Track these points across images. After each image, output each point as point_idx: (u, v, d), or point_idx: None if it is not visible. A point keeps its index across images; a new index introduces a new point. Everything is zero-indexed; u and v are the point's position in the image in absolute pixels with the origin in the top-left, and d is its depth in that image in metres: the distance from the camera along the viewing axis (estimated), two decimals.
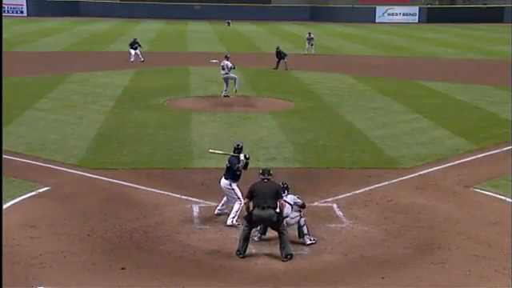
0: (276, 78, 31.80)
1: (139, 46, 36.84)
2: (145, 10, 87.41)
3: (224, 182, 12.02)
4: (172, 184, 14.24)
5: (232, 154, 12.07)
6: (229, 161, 12.05)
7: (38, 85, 28.00)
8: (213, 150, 12.80)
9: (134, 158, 16.46)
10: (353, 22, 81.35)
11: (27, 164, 15.69)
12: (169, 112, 22.75)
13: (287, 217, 10.96)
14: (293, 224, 11.05)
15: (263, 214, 10.50)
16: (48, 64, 36.40)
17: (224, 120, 21.38)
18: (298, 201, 11.34)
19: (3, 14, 79.97)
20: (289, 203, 11.08)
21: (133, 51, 36.34)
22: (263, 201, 10.49)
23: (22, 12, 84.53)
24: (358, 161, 16.63)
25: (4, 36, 49.47)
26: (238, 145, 12.29)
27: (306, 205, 11.61)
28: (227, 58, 25.23)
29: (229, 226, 11.77)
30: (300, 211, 11.31)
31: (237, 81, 25.29)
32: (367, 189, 14.22)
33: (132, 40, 37.31)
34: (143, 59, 36.10)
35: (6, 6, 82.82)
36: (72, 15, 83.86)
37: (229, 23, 69.96)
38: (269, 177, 10.88)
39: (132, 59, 35.90)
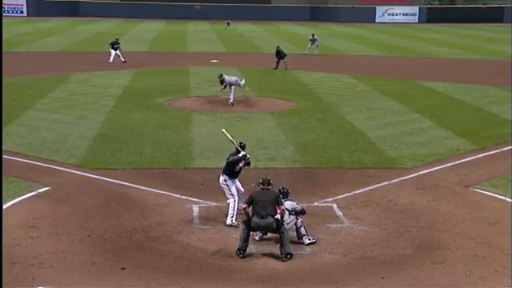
0: (276, 78, 31.80)
1: (119, 46, 35.84)
2: (145, 10, 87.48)
3: (220, 177, 12.10)
4: (172, 184, 14.24)
5: (237, 145, 12.14)
6: (229, 154, 12.25)
7: (39, 85, 28.00)
8: (225, 131, 12.84)
9: (134, 158, 16.46)
10: (353, 22, 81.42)
11: (27, 164, 15.69)
12: (169, 112, 22.75)
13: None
14: (289, 228, 11.04)
15: (262, 223, 10.58)
16: (48, 64, 36.40)
17: (224, 120, 21.37)
18: (297, 207, 11.33)
19: (3, 14, 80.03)
20: (286, 209, 11.09)
21: (113, 52, 35.46)
22: (262, 209, 10.55)
23: (22, 12, 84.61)
24: (358, 161, 16.63)
25: (4, 36, 49.48)
26: (241, 142, 12.44)
27: (306, 210, 11.56)
28: (220, 77, 23.75)
29: (228, 225, 11.79)
30: (296, 216, 11.27)
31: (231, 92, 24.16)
32: (367, 189, 14.23)
33: (113, 40, 36.52)
34: (124, 60, 35.20)
35: (6, 6, 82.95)
36: (72, 15, 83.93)
37: (228, 23, 69.98)
38: (269, 187, 10.95)
39: (111, 60, 35.10)
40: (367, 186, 14.43)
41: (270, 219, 10.53)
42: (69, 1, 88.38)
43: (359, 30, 69.28)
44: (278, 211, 10.59)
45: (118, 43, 36.03)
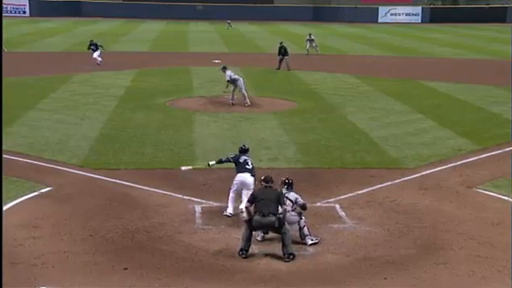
0: (278, 78, 31.78)
1: (101, 47, 35.07)
2: (147, 10, 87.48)
3: (252, 179, 12.15)
4: (174, 184, 14.22)
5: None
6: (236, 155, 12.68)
7: (41, 85, 28.01)
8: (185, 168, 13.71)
9: (137, 158, 16.45)
10: (355, 22, 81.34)
11: (29, 164, 15.69)
12: (171, 112, 22.74)
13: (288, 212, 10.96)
14: (292, 222, 11.02)
15: (264, 221, 10.54)
16: (50, 64, 36.41)
17: (226, 120, 21.37)
18: (300, 200, 11.32)
19: (5, 15, 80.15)
20: (290, 200, 11.10)
21: (95, 53, 34.49)
22: (265, 207, 10.54)
23: (24, 12, 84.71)
24: (360, 161, 16.61)
25: (6, 36, 49.58)
26: (244, 145, 12.97)
27: (308, 206, 11.56)
28: (223, 69, 23.99)
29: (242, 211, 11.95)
30: (300, 213, 11.28)
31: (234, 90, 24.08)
32: (370, 189, 14.20)
33: (89, 42, 35.74)
34: (99, 62, 34.20)
35: (9, 7, 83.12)
36: (74, 15, 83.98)
37: (229, 24, 69.99)
38: (271, 184, 10.97)
39: (99, 60, 34.23)
40: (370, 186, 14.41)
41: (272, 218, 10.50)
42: (71, 1, 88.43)
43: (362, 30, 69.23)
44: (280, 210, 10.58)
45: (95, 44, 35.05)
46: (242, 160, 12.57)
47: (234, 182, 12.36)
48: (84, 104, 23.70)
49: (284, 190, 11.25)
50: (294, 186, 11.51)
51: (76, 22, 74.87)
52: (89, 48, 35.20)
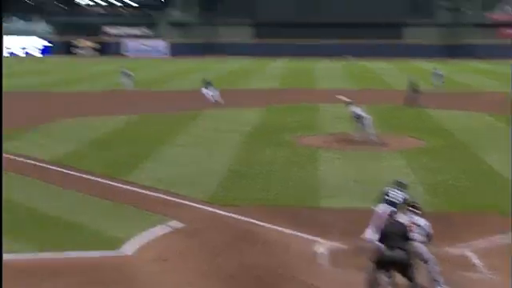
0: (406, 115, 31.02)
1: (211, 85, 35.79)
2: (278, 49, 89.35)
3: (387, 210, 11.70)
4: (298, 223, 14.13)
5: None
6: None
7: (174, 121, 29.32)
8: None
9: (262, 194, 16.61)
10: (490, 59, 77.83)
11: (161, 199, 16.28)
12: (297, 149, 22.84)
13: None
14: (423, 255, 10.47)
15: (394, 256, 10.05)
16: (183, 101, 38.05)
17: (351, 158, 21.07)
18: (428, 229, 10.76)
19: (147, 56, 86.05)
20: (419, 226, 10.72)
21: (207, 91, 35.46)
22: (393, 242, 10.13)
23: (162, 52, 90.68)
24: (495, 205, 15.59)
25: (149, 76, 52.85)
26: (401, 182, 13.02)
27: (433, 238, 10.95)
28: (348, 103, 24.38)
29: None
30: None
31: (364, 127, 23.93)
32: (507, 236, 13.24)
33: (202, 80, 36.94)
34: (216, 100, 34.71)
35: (150, 48, 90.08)
36: (209, 54, 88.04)
37: (348, 59, 69.79)
38: (397, 219, 10.69)
39: (211, 99, 35.03)
40: (507, 233, 13.43)
41: (402, 252, 10.00)
42: (206, 43, 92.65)
43: (497, 67, 66.03)
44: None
45: (208, 83, 36.22)
46: (384, 190, 12.70)
47: (375, 215, 12.26)
48: (213, 140, 24.47)
49: (413, 216, 10.90)
50: (421, 210, 11.15)
51: (210, 60, 78.32)
52: (203, 86, 36.49)
